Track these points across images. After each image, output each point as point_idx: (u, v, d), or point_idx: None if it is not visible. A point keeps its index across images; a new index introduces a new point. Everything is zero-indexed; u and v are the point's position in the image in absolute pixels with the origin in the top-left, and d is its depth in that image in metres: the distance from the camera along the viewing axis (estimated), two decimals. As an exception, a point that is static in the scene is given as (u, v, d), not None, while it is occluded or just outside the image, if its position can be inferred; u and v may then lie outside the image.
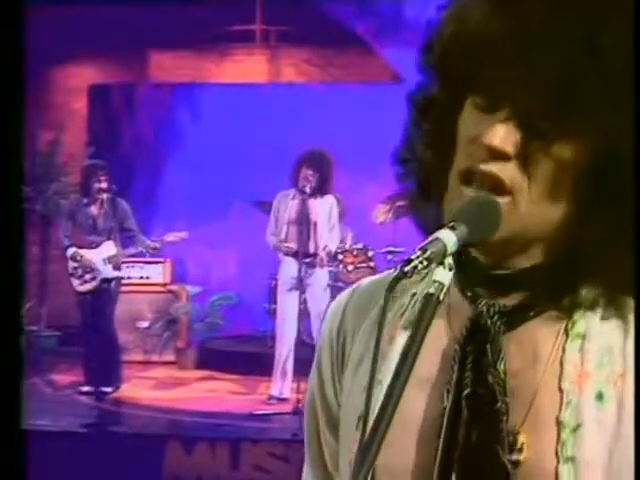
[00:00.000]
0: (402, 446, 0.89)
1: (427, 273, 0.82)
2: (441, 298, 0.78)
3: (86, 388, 6.51)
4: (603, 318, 0.88)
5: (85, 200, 6.44)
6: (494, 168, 0.82)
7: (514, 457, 0.85)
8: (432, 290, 0.78)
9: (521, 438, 0.85)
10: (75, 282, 6.46)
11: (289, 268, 6.13)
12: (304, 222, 6.00)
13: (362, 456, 0.75)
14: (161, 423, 5.88)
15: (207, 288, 8.08)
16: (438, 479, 0.87)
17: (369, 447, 0.75)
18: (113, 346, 6.62)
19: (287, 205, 6.14)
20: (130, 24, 8.62)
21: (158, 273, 7.96)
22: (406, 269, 0.77)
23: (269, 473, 5.00)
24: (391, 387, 0.77)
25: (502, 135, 0.82)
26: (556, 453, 0.84)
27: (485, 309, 0.88)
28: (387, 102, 8.38)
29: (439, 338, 0.91)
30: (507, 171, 0.82)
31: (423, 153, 0.91)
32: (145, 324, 7.68)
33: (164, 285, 7.99)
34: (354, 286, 1.04)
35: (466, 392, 0.88)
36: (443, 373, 0.90)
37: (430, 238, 0.78)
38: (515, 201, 0.83)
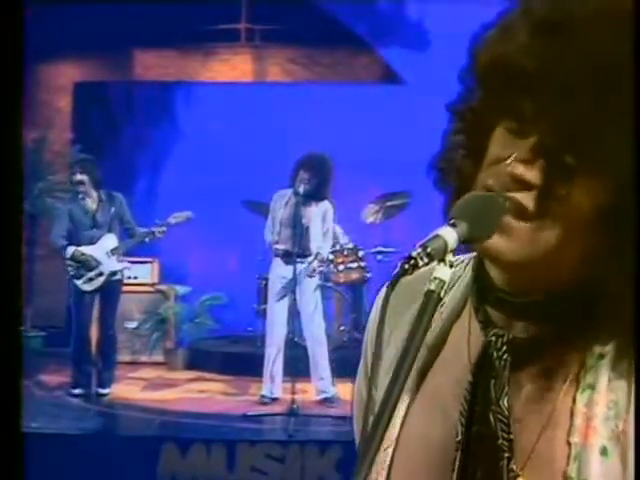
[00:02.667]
0: (413, 467, 0.89)
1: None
2: (442, 295, 0.77)
3: (77, 390, 6.45)
4: (612, 371, 0.87)
5: (80, 195, 6.33)
6: (518, 196, 0.83)
7: None
8: (432, 287, 0.78)
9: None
10: (79, 282, 6.31)
11: (279, 269, 6.15)
12: (297, 225, 6.00)
13: (363, 452, 0.75)
14: (155, 424, 5.85)
15: (196, 288, 8.05)
16: None
17: (369, 444, 0.75)
18: (114, 345, 6.59)
19: (281, 206, 6.14)
20: (115, 23, 8.58)
21: (146, 273, 7.92)
22: (406, 266, 0.77)
23: (265, 474, 5.00)
24: (391, 383, 0.77)
25: (527, 163, 0.82)
26: None
27: (493, 339, 0.88)
28: (373, 101, 8.53)
29: (460, 359, 0.91)
30: (529, 199, 0.83)
31: (460, 162, 0.91)
32: (133, 324, 7.64)
33: (153, 285, 7.96)
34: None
35: (474, 429, 0.88)
36: (456, 400, 0.90)
37: (431, 235, 0.78)
38: (536, 228, 0.83)
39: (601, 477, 0.84)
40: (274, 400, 6.10)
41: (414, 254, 0.77)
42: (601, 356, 0.87)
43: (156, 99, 9.24)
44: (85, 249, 6.30)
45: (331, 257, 6.62)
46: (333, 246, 6.65)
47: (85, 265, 6.28)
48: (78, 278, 6.32)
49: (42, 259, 7.87)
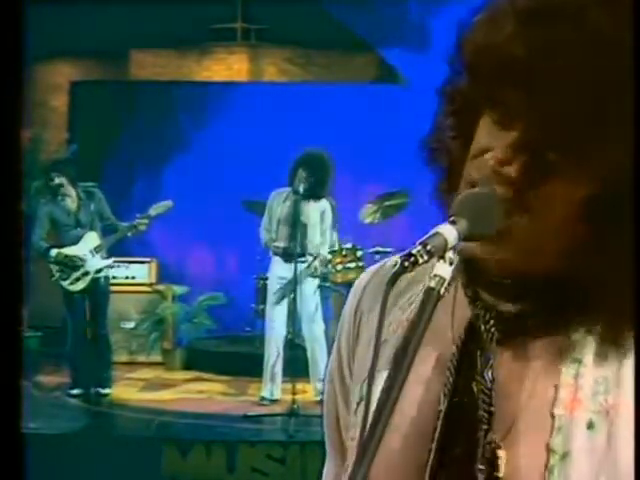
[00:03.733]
0: (396, 440, 0.89)
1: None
2: (442, 292, 0.77)
3: (75, 390, 6.43)
4: (600, 346, 0.87)
5: (60, 197, 6.23)
6: (500, 190, 0.82)
7: (494, 473, 0.85)
8: (433, 284, 0.77)
9: (500, 452, 0.85)
10: (65, 283, 6.27)
11: (278, 268, 6.12)
12: (295, 223, 5.98)
13: (362, 452, 0.74)
14: (154, 425, 5.84)
15: (194, 288, 8.04)
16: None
17: (368, 443, 0.74)
18: (108, 345, 6.57)
19: (280, 204, 6.12)
20: (111, 22, 8.58)
21: (144, 273, 7.90)
22: (406, 263, 0.76)
23: (266, 475, 4.99)
24: (391, 380, 0.76)
25: (509, 158, 0.82)
26: (543, 479, 0.84)
27: (482, 313, 0.88)
28: (370, 101, 8.52)
29: (441, 335, 0.91)
30: (507, 193, 0.82)
31: (450, 143, 0.91)
32: (131, 324, 7.62)
33: (150, 285, 7.94)
34: (379, 264, 1.05)
35: (455, 399, 0.88)
36: (440, 373, 0.90)
37: (431, 232, 0.78)
38: (515, 222, 0.83)
39: (586, 450, 0.84)
40: (274, 401, 6.09)
41: (414, 251, 0.76)
42: (588, 331, 0.87)
43: (152, 99, 9.22)
44: (68, 250, 6.21)
45: (329, 257, 6.61)
46: (332, 246, 6.64)
47: (70, 266, 6.21)
48: (64, 280, 6.26)
49: (37, 259, 7.84)
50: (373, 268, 1.05)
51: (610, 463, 0.83)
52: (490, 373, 0.87)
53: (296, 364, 5.79)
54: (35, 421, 5.35)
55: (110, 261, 6.40)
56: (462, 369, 0.88)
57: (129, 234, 6.30)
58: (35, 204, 7.86)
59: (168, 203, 6.38)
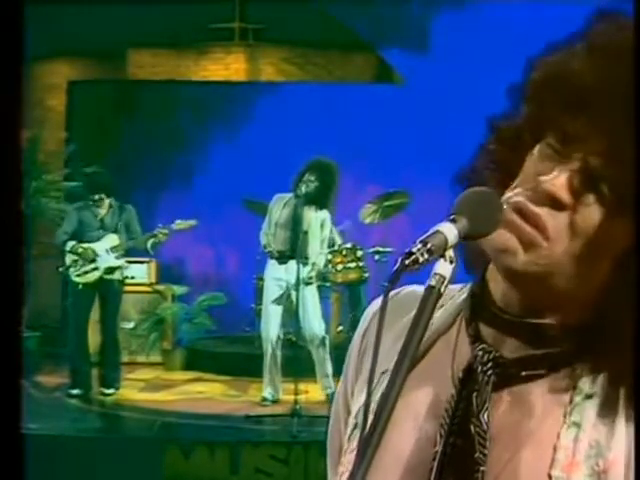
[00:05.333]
0: (384, 475, 0.89)
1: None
2: (442, 291, 0.77)
3: (76, 390, 6.43)
4: (599, 411, 0.86)
5: (90, 202, 6.43)
6: (543, 212, 0.83)
7: None
8: (433, 282, 0.77)
9: None
10: (72, 272, 6.34)
11: (274, 270, 6.14)
12: (295, 227, 5.98)
13: (361, 454, 0.74)
14: (156, 426, 5.83)
15: (194, 288, 8.03)
16: None
17: (367, 444, 0.74)
18: (117, 345, 6.58)
19: (280, 208, 6.12)
20: (108, 22, 8.56)
21: (144, 273, 7.90)
22: (407, 262, 0.76)
23: (269, 475, 4.99)
24: (391, 382, 0.76)
25: (563, 184, 0.82)
26: None
27: (480, 354, 0.88)
28: (368, 101, 8.52)
29: (440, 372, 0.91)
30: (555, 219, 0.83)
31: (488, 175, 0.91)
32: (131, 325, 7.61)
33: (150, 285, 7.94)
34: (396, 290, 1.03)
35: (451, 440, 0.87)
36: (436, 412, 0.89)
37: (431, 231, 0.78)
38: (551, 248, 0.83)
39: None
40: (275, 402, 6.09)
41: (414, 250, 0.76)
42: (588, 396, 0.87)
43: (151, 98, 9.21)
44: (86, 245, 6.35)
45: (329, 257, 6.61)
46: (332, 246, 6.64)
47: (82, 257, 6.30)
48: (73, 270, 6.34)
49: (36, 259, 7.83)
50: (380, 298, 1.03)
51: None
52: (486, 416, 0.86)
53: (298, 364, 5.78)
54: (35, 422, 5.34)
55: (122, 261, 6.44)
56: (459, 410, 0.88)
57: (149, 243, 6.39)
58: (34, 203, 7.87)
59: (192, 222, 6.49)
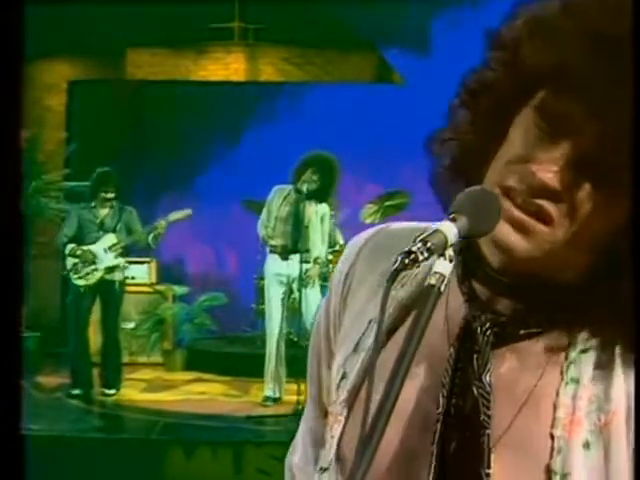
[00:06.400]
0: (390, 443, 0.89)
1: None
2: (442, 290, 0.77)
3: (77, 391, 6.43)
4: (596, 365, 0.87)
5: (93, 204, 6.45)
6: (543, 203, 0.83)
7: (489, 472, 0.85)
8: (433, 281, 0.77)
9: (492, 457, 0.85)
10: (75, 277, 6.37)
11: (274, 265, 6.11)
12: (295, 223, 5.96)
13: (361, 452, 0.73)
14: (157, 426, 5.83)
15: (195, 288, 8.03)
16: None
17: (369, 442, 0.74)
18: (118, 346, 6.58)
19: (280, 202, 6.10)
20: (107, 21, 8.55)
21: (144, 273, 7.89)
22: (407, 261, 0.76)
23: (272, 476, 4.97)
24: (391, 379, 0.76)
25: (557, 173, 0.82)
26: None
27: (478, 313, 0.88)
28: (368, 101, 8.51)
29: (434, 332, 0.90)
30: (553, 207, 0.83)
31: (465, 133, 0.91)
32: (131, 325, 7.61)
33: (150, 285, 7.93)
34: (377, 229, 1.04)
35: (453, 401, 0.88)
36: (435, 372, 0.90)
37: (431, 230, 0.78)
38: (554, 233, 0.83)
39: (584, 470, 0.84)
40: (277, 401, 6.08)
41: (414, 248, 0.76)
42: (584, 350, 0.87)
43: (150, 98, 9.21)
44: (84, 247, 6.37)
45: (330, 257, 6.61)
46: (332, 246, 6.64)
47: (82, 260, 6.32)
48: (75, 274, 6.35)
49: (35, 259, 7.83)
50: (368, 233, 1.04)
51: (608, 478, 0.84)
52: (488, 377, 0.86)
53: (301, 364, 5.77)
54: (36, 423, 5.34)
55: (121, 260, 6.45)
56: (459, 370, 0.88)
57: (150, 238, 6.38)
58: (34, 203, 7.87)
59: (188, 211, 6.48)
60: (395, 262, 0.76)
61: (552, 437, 0.85)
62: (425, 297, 0.77)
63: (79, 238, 6.40)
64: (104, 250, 6.36)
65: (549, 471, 0.84)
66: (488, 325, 0.87)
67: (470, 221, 0.80)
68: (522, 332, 0.88)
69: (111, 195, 6.42)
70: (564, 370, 0.87)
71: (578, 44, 0.82)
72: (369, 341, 0.94)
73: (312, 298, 6.04)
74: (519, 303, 0.88)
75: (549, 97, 0.83)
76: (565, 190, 0.82)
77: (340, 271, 1.03)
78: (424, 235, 0.77)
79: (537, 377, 0.87)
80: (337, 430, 0.94)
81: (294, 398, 5.63)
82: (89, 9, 8.50)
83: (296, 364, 5.77)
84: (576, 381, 0.87)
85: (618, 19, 0.81)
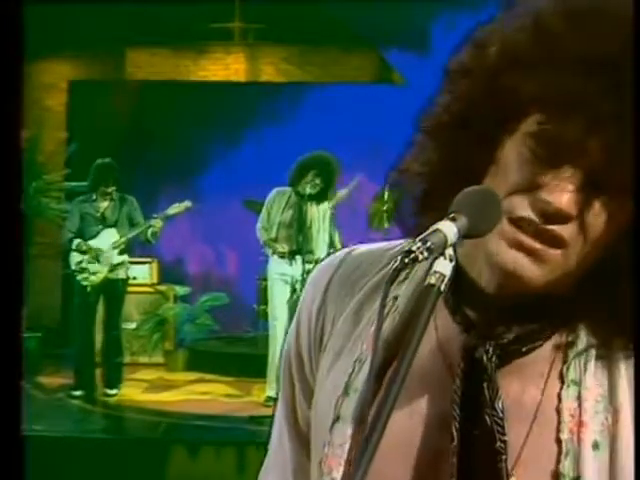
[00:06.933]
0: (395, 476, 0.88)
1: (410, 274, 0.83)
2: (442, 289, 0.76)
3: (78, 392, 6.43)
4: (597, 365, 0.87)
5: (93, 196, 6.43)
6: (556, 228, 0.82)
7: None
8: (433, 281, 0.76)
9: None
10: (80, 277, 6.36)
11: (279, 267, 6.11)
12: (299, 225, 5.96)
13: (357, 463, 0.73)
14: (160, 427, 5.83)
15: (196, 289, 8.03)
16: None
17: (364, 454, 0.73)
18: (119, 345, 6.58)
19: (281, 204, 6.09)
20: (107, 21, 8.54)
21: (146, 273, 7.89)
22: (406, 260, 0.75)
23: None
24: (389, 387, 0.75)
25: (571, 196, 0.81)
26: None
27: (481, 342, 0.87)
28: (368, 101, 8.51)
29: (430, 365, 0.89)
30: (567, 230, 0.82)
31: (437, 167, 0.89)
32: (132, 325, 7.61)
33: (152, 285, 7.93)
34: (342, 254, 1.00)
35: (466, 432, 0.86)
36: (437, 405, 0.88)
37: (430, 229, 0.77)
38: (567, 254, 0.83)
39: (595, 472, 0.84)
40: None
41: (414, 248, 0.75)
42: (584, 351, 0.87)
43: (150, 98, 9.20)
44: (89, 242, 6.37)
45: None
46: (333, 246, 6.63)
47: (89, 254, 6.30)
48: (80, 274, 6.33)
49: (35, 259, 7.83)
50: (331, 265, 0.99)
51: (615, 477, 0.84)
52: (500, 404, 0.85)
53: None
54: (38, 423, 5.34)
55: (124, 258, 6.44)
56: (468, 401, 0.87)
57: (149, 233, 6.37)
58: (34, 204, 7.87)
59: (187, 204, 6.47)
60: (395, 261, 0.75)
61: (559, 442, 0.85)
62: (425, 297, 0.76)
63: (82, 231, 6.39)
64: (108, 247, 6.34)
65: (558, 475, 0.84)
66: (491, 351, 0.86)
67: (470, 220, 0.79)
68: (525, 349, 0.87)
69: (112, 188, 6.39)
70: (564, 373, 0.87)
71: (562, 68, 0.81)
72: (359, 381, 0.91)
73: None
74: (520, 323, 0.86)
75: (542, 122, 0.82)
76: (576, 211, 0.81)
77: (308, 309, 0.99)
78: (424, 234, 0.76)
79: (541, 388, 0.87)
80: (337, 474, 0.91)
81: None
82: (89, 9, 8.49)
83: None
84: (577, 383, 0.86)
85: (599, 34, 0.80)
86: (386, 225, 7.25)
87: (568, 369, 0.87)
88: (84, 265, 6.33)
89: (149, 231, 6.37)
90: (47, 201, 7.99)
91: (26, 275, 7.68)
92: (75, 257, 6.37)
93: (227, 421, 5.86)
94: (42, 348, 7.68)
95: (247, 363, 7.05)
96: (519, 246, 0.82)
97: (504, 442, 0.85)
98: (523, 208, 0.82)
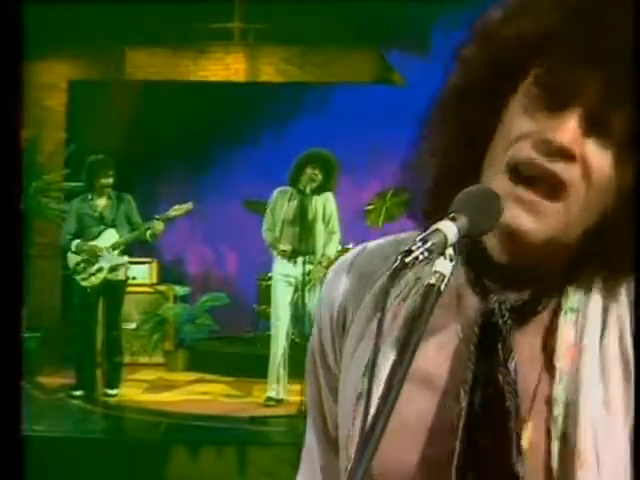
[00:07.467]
0: (405, 446, 0.88)
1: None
2: (442, 289, 0.77)
3: (79, 392, 6.43)
4: (595, 297, 0.88)
5: (90, 196, 6.41)
6: (558, 168, 0.82)
7: (522, 447, 0.85)
8: (433, 281, 0.77)
9: (528, 427, 0.85)
10: (79, 278, 6.36)
11: (283, 267, 6.09)
12: (301, 223, 5.95)
13: (360, 453, 0.73)
14: (161, 427, 5.83)
15: (196, 289, 8.03)
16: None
17: (367, 443, 0.73)
18: (119, 345, 6.58)
19: (284, 203, 6.09)
20: (106, 21, 8.55)
21: (145, 273, 7.89)
22: (407, 260, 0.76)
23: (276, 477, 4.97)
24: (390, 380, 0.75)
25: (573, 134, 0.82)
26: (548, 432, 0.84)
27: (497, 306, 0.88)
28: (368, 101, 8.51)
29: (444, 332, 0.91)
30: (569, 173, 0.82)
31: (446, 149, 0.91)
32: (132, 325, 7.60)
33: (152, 285, 7.93)
34: (356, 251, 1.03)
35: (477, 395, 0.87)
36: (450, 371, 0.89)
37: (431, 229, 0.78)
38: (567, 206, 0.83)
39: (589, 398, 0.84)
40: (280, 402, 6.07)
41: (414, 248, 0.76)
42: (585, 282, 0.88)
43: (150, 98, 9.20)
44: (89, 243, 6.36)
45: (332, 259, 6.60)
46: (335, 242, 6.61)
47: (87, 258, 6.30)
48: (80, 274, 6.32)
49: (35, 259, 7.83)
50: (346, 261, 1.02)
51: (609, 404, 0.84)
52: (513, 364, 0.86)
53: (304, 365, 5.75)
54: (39, 423, 5.34)
55: (124, 259, 6.43)
56: (481, 364, 0.88)
57: (148, 234, 6.36)
58: (34, 204, 7.87)
59: (188, 206, 6.46)
60: (395, 261, 0.76)
61: (553, 367, 0.86)
62: (425, 297, 0.77)
63: (80, 232, 6.38)
64: (107, 249, 6.34)
65: (551, 400, 0.85)
66: (507, 314, 0.87)
67: (470, 220, 0.80)
68: (540, 308, 0.88)
69: (109, 181, 6.37)
70: (562, 303, 0.88)
71: (559, 11, 0.82)
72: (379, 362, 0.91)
73: (315, 299, 6.03)
74: (534, 286, 0.88)
75: (544, 70, 0.83)
76: (579, 151, 0.82)
77: (328, 303, 1.00)
78: (424, 234, 0.77)
79: (546, 332, 0.88)
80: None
81: (297, 399, 5.62)
82: (89, 9, 8.49)
83: (300, 365, 5.77)
84: (575, 310, 0.87)
85: None
86: (382, 223, 7.26)
87: (567, 299, 0.88)
88: (83, 266, 6.32)
89: (148, 233, 6.35)
90: (47, 201, 7.99)
91: (26, 275, 7.68)
92: (74, 258, 6.36)
93: (227, 421, 5.86)
94: (42, 348, 7.67)
95: (247, 363, 7.04)
96: (518, 200, 0.83)
97: (515, 402, 0.85)
98: (527, 150, 0.83)
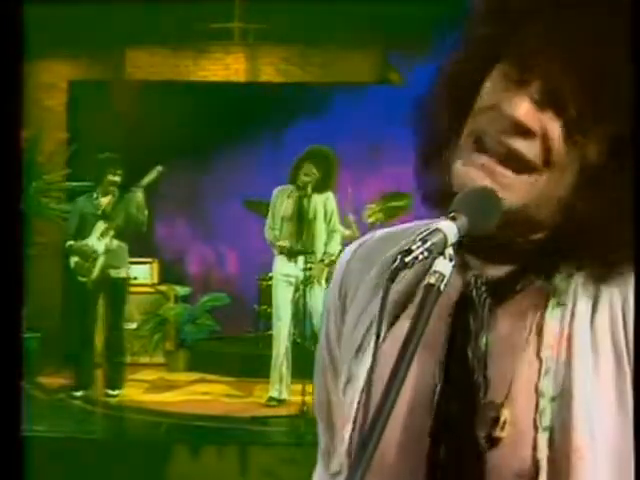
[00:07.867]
0: (396, 416, 0.88)
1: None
2: (442, 289, 0.77)
3: (79, 392, 6.43)
4: (583, 286, 0.88)
5: (95, 194, 6.43)
6: (520, 145, 0.83)
7: (496, 433, 0.84)
8: (432, 280, 0.77)
9: (504, 413, 0.85)
10: (79, 276, 6.37)
11: (282, 265, 6.09)
12: (300, 220, 5.95)
13: (360, 452, 0.73)
14: (162, 427, 5.82)
15: (197, 289, 8.02)
16: (429, 453, 0.87)
17: (367, 443, 0.73)
18: (121, 345, 6.57)
19: (283, 201, 6.10)
20: (106, 21, 8.55)
21: (146, 273, 7.89)
22: (407, 259, 0.76)
23: (277, 477, 4.97)
24: (390, 380, 0.75)
25: (528, 109, 0.82)
26: (534, 423, 0.84)
27: (473, 280, 0.89)
28: (366, 100, 8.51)
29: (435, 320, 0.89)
30: (532, 149, 0.83)
31: (438, 120, 0.92)
32: (133, 325, 7.60)
33: (152, 285, 7.93)
34: (365, 238, 1.06)
35: (450, 370, 0.88)
36: (431, 345, 0.89)
37: (431, 229, 0.78)
38: (536, 180, 0.84)
39: (576, 390, 0.84)
40: (282, 402, 6.06)
41: (414, 247, 0.76)
42: (571, 274, 0.88)
43: (150, 98, 9.20)
44: (83, 242, 6.38)
45: (333, 258, 6.60)
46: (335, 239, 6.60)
47: (83, 256, 6.31)
48: (78, 272, 6.35)
49: (35, 259, 7.83)
50: (355, 244, 1.05)
51: (599, 398, 0.84)
52: (485, 337, 0.86)
53: (306, 365, 5.76)
54: (39, 424, 5.34)
55: (115, 242, 6.38)
56: (456, 339, 0.88)
57: (133, 208, 6.28)
58: (34, 204, 7.87)
59: (158, 168, 6.50)
60: (395, 261, 0.76)
61: (540, 359, 0.86)
62: (425, 297, 0.77)
63: (82, 233, 6.37)
64: (97, 239, 6.34)
65: (537, 392, 0.85)
66: (484, 289, 0.88)
67: (470, 220, 0.80)
68: (519, 287, 0.88)
69: (116, 179, 6.38)
70: (550, 297, 0.87)
71: None
72: (369, 345, 0.94)
73: (317, 298, 6.02)
74: (512, 262, 0.88)
75: (515, 47, 0.84)
76: (537, 126, 0.82)
77: (333, 286, 1.03)
78: (424, 234, 0.77)
79: (532, 321, 0.87)
80: (347, 431, 0.94)
81: (299, 399, 5.62)
82: (89, 9, 8.49)
83: (302, 365, 5.77)
84: (562, 305, 0.87)
85: None
86: (382, 223, 7.25)
87: (554, 293, 0.87)
88: (81, 265, 6.33)
89: (133, 205, 6.35)
90: (47, 201, 7.99)
91: (26, 275, 7.65)
92: (74, 258, 6.35)
93: (228, 421, 5.86)
94: (42, 348, 7.67)
95: (248, 363, 7.05)
96: (483, 169, 0.84)
97: (484, 377, 0.86)
98: (487, 123, 0.84)
